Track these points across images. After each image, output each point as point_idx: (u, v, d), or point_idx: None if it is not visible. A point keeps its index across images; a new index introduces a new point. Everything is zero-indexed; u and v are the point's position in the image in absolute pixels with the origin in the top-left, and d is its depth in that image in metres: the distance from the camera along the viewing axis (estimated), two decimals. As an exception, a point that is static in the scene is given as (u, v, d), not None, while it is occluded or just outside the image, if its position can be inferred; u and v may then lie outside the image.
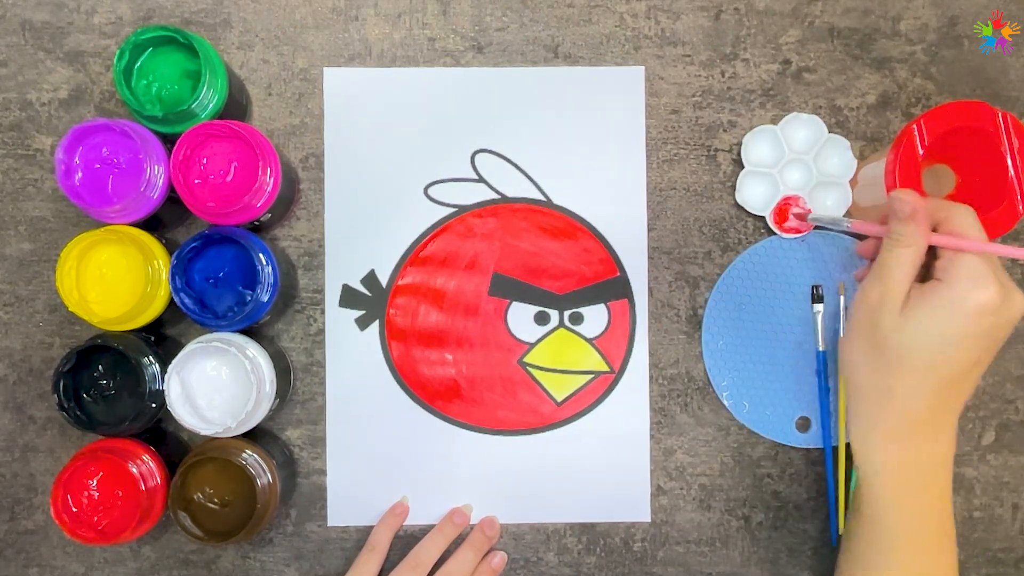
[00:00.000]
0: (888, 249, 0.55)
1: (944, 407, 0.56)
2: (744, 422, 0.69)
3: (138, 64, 0.63)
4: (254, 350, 0.63)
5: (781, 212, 0.68)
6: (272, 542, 0.68)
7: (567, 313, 0.69)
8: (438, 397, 0.69)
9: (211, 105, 0.62)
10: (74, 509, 0.61)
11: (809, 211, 0.67)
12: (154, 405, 0.62)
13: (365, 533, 0.68)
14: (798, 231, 0.68)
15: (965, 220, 0.54)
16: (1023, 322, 0.68)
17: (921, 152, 0.61)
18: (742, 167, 0.68)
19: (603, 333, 0.69)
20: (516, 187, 0.69)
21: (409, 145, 0.69)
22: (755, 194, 0.69)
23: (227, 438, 0.63)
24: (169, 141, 0.62)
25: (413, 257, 0.69)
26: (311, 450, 0.68)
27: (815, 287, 0.69)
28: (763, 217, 0.69)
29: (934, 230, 0.55)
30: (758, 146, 0.69)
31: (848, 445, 0.68)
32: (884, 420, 0.56)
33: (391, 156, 0.69)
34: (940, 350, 0.53)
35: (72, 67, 0.68)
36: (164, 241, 0.64)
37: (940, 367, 0.54)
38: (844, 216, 0.68)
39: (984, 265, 0.53)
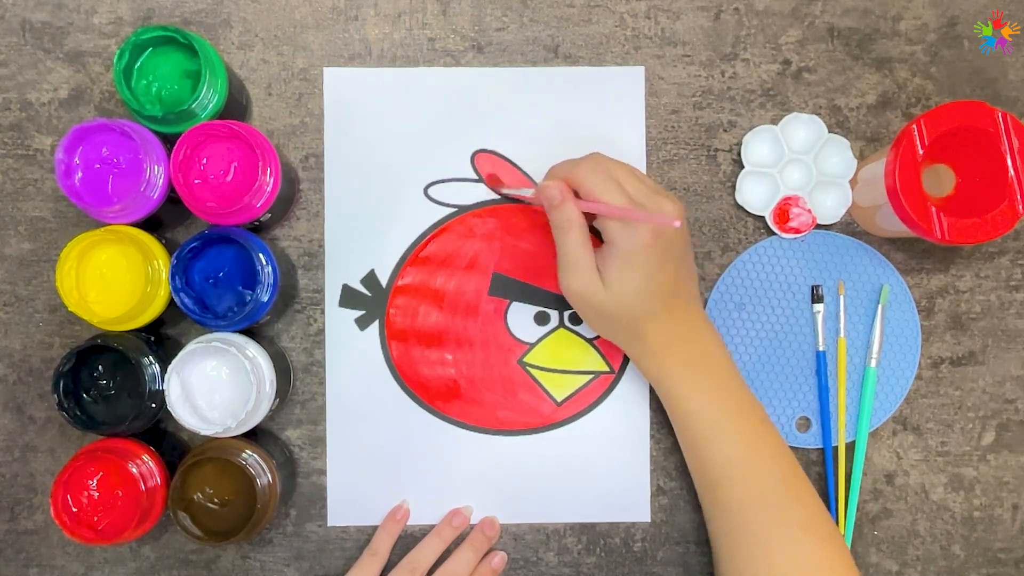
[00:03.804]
0: (562, 238, 0.61)
1: (683, 309, 0.63)
2: (744, 422, 0.69)
3: (138, 64, 0.63)
4: (254, 350, 0.63)
5: (781, 212, 0.68)
6: (272, 542, 0.68)
7: (567, 313, 0.69)
8: (438, 397, 0.69)
9: (211, 105, 0.62)
10: (74, 509, 0.61)
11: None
12: (154, 405, 0.62)
13: (365, 533, 0.68)
14: (798, 231, 0.68)
15: (593, 181, 0.60)
16: (1020, 320, 0.69)
17: (921, 152, 0.61)
18: (742, 167, 0.68)
19: (603, 333, 0.69)
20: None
21: (409, 145, 0.69)
22: (755, 194, 0.69)
23: (227, 438, 0.63)
24: (169, 141, 0.62)
25: (413, 257, 0.69)
26: (311, 450, 0.68)
27: (815, 287, 0.69)
28: (763, 217, 0.69)
29: (576, 195, 0.61)
30: (758, 146, 0.68)
31: (846, 446, 0.68)
32: (655, 352, 0.63)
33: (391, 156, 0.69)
34: (647, 288, 0.60)
35: (72, 67, 0.68)
36: (164, 241, 0.64)
37: (659, 295, 0.61)
38: (843, 215, 0.68)
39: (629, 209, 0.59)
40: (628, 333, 0.62)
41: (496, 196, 0.69)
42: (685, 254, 0.63)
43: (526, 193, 0.66)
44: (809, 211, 0.68)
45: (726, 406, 0.62)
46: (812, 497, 0.62)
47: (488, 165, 0.69)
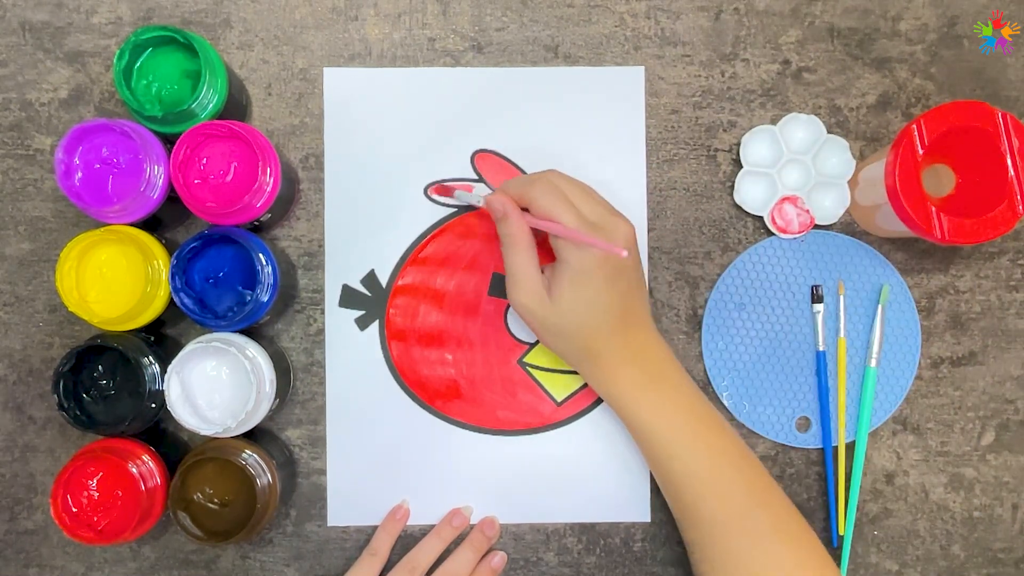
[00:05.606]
0: (507, 252, 0.61)
1: (635, 328, 0.63)
2: (744, 422, 0.69)
3: (138, 64, 0.63)
4: (254, 350, 0.63)
5: (780, 212, 0.68)
6: (272, 542, 0.68)
7: (567, 313, 0.69)
8: (438, 397, 0.69)
9: (211, 105, 0.62)
10: (74, 509, 0.61)
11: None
12: (154, 405, 0.62)
13: (365, 533, 0.68)
14: (796, 232, 0.68)
15: (547, 202, 0.60)
16: (1020, 320, 0.69)
17: (921, 152, 0.61)
18: (741, 167, 0.68)
19: (603, 333, 0.69)
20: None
21: (409, 145, 0.69)
22: (753, 194, 0.68)
23: (227, 438, 0.63)
24: (169, 141, 0.62)
25: (413, 257, 0.69)
26: (311, 450, 0.68)
27: (815, 287, 0.69)
28: (762, 217, 0.69)
29: (527, 210, 0.61)
30: (757, 146, 0.68)
31: (846, 446, 0.68)
32: (608, 371, 0.63)
33: (391, 156, 0.69)
34: (596, 307, 0.60)
35: (72, 67, 0.68)
36: (164, 241, 0.64)
37: (608, 313, 0.61)
38: (842, 215, 0.68)
39: (583, 230, 0.59)
40: (579, 351, 0.63)
41: (496, 196, 0.69)
42: (636, 276, 0.63)
43: (476, 201, 0.65)
44: (807, 211, 0.68)
45: (685, 420, 0.62)
46: (780, 500, 0.62)
47: (487, 165, 0.69)
